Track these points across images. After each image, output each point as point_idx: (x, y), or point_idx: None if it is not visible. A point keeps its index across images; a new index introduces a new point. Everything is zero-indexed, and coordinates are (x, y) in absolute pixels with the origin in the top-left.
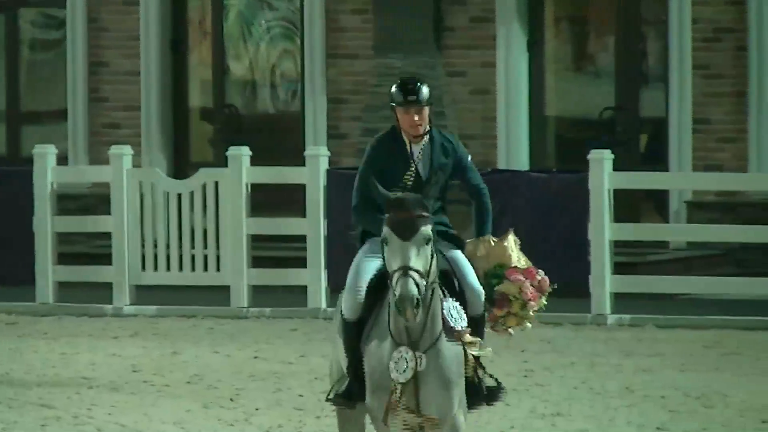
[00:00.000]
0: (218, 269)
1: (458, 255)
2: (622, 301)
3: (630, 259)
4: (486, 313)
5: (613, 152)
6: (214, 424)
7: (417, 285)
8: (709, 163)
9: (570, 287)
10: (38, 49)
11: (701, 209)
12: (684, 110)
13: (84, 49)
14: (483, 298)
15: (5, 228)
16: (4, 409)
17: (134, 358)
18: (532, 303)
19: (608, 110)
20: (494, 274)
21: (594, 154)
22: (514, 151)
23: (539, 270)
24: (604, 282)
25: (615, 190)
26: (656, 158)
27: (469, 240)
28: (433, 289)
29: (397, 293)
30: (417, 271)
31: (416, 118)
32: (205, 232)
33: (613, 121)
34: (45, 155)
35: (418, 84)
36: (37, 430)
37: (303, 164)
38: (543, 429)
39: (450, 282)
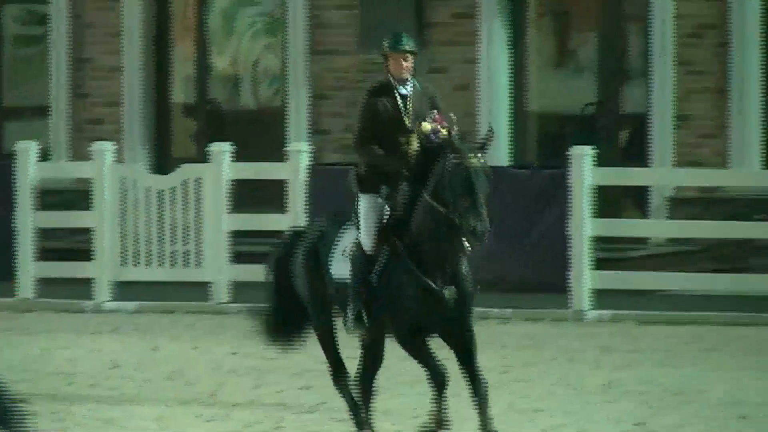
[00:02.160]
0: (199, 265)
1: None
2: (602, 297)
3: (610, 255)
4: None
5: (594, 148)
6: (193, 420)
7: None
8: (690, 159)
9: (550, 283)
10: (22, 45)
11: (682, 205)
12: (666, 106)
13: (67, 44)
14: None
15: None
16: None
17: (114, 354)
18: None
19: (590, 106)
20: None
21: (575, 150)
22: (495, 147)
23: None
24: (584, 278)
25: (596, 186)
26: (637, 154)
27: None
28: None
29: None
30: None
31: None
32: (186, 228)
33: (595, 117)
34: (27, 151)
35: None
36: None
37: (285, 160)
38: (522, 424)
39: None
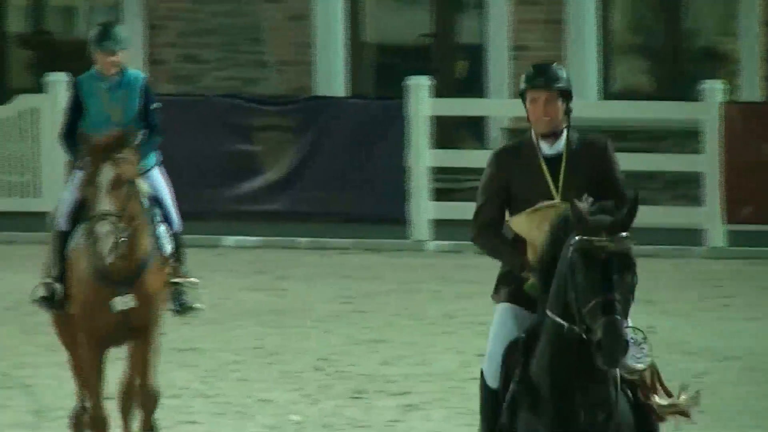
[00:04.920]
0: (37, 196)
1: None
2: (441, 227)
3: (448, 185)
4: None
5: (431, 78)
6: (33, 349)
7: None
8: None
9: (390, 214)
10: None
11: (519, 136)
12: (501, 37)
13: None
14: None
15: None
16: None
17: None
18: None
19: (425, 37)
20: None
21: (412, 81)
22: (332, 78)
23: None
24: (423, 209)
25: (433, 117)
26: (473, 85)
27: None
28: None
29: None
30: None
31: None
32: (23, 158)
33: (431, 48)
34: None
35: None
36: None
37: None
38: (363, 355)
39: None
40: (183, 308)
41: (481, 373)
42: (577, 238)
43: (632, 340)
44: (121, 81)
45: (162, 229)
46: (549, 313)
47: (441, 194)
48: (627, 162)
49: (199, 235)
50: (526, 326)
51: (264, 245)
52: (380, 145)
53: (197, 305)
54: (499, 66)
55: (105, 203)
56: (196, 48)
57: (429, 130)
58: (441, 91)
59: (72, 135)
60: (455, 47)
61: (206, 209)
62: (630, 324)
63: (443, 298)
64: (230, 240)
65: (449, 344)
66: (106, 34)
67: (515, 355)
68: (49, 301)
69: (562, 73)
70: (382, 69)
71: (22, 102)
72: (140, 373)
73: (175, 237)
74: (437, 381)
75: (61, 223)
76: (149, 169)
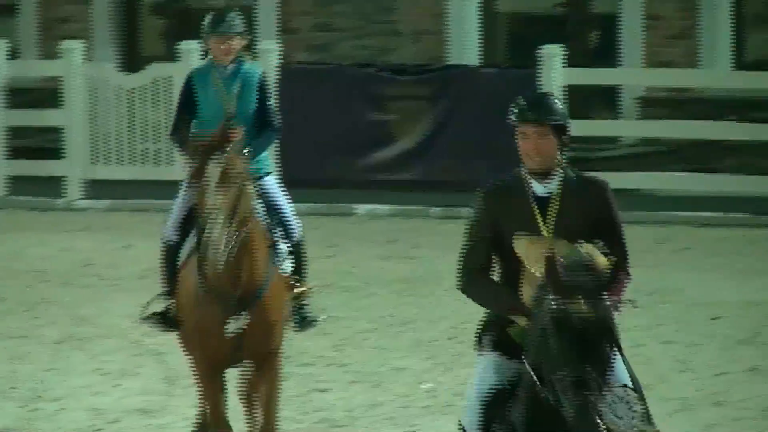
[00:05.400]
0: (170, 163)
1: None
2: None
3: (580, 155)
4: None
5: (564, 48)
6: None
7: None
8: (660, 60)
9: None
10: None
11: (652, 105)
12: (635, 6)
13: None
14: None
15: None
16: None
17: (87, 252)
18: None
19: (559, 6)
20: None
21: (545, 50)
22: (465, 47)
23: None
24: None
25: (566, 86)
26: (607, 54)
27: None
28: None
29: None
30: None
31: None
32: (156, 126)
33: (564, 17)
34: None
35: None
36: None
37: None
38: None
39: None
40: (303, 323)
41: (460, 426)
42: (551, 300)
43: (620, 398)
44: (236, 72)
45: (282, 246)
46: (525, 364)
47: (574, 164)
48: (759, 133)
49: (333, 203)
50: (508, 376)
51: (397, 214)
52: None
53: (318, 318)
54: (633, 35)
55: (214, 198)
56: (330, 16)
57: (562, 100)
58: (574, 60)
59: (183, 131)
60: (589, 16)
61: (339, 178)
62: (620, 382)
63: None
64: (363, 209)
65: None
66: (219, 18)
67: (496, 407)
68: (163, 317)
69: (557, 106)
70: (516, 38)
71: (156, 70)
72: (262, 408)
73: (295, 246)
74: None
75: (170, 234)
76: (264, 175)
